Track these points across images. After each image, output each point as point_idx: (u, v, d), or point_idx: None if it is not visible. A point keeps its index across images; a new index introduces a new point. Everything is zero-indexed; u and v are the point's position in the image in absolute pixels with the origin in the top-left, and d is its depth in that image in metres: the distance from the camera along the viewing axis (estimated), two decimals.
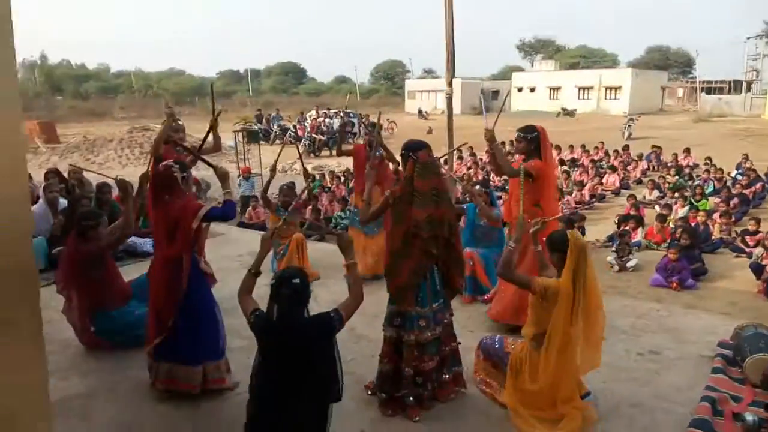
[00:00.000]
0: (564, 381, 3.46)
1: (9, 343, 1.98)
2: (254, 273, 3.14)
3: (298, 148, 6.94)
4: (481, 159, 16.99)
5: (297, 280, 2.82)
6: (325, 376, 2.86)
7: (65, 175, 8.15)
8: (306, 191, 6.55)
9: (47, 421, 2.25)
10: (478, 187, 5.98)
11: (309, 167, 17.31)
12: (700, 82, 50.47)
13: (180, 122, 5.09)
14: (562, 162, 16.10)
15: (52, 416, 3.46)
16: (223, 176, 3.71)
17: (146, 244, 6.92)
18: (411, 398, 3.53)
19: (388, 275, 3.61)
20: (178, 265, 3.56)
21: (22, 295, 2.02)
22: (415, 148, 3.50)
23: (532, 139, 4.58)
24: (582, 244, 3.38)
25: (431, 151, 3.57)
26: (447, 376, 3.73)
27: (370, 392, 3.81)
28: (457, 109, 48.31)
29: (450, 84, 6.36)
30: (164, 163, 3.75)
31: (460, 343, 3.84)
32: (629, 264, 7.96)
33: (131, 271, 5.69)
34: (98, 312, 4.28)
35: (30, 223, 2.09)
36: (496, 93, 55.29)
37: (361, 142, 6.55)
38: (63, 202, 6.88)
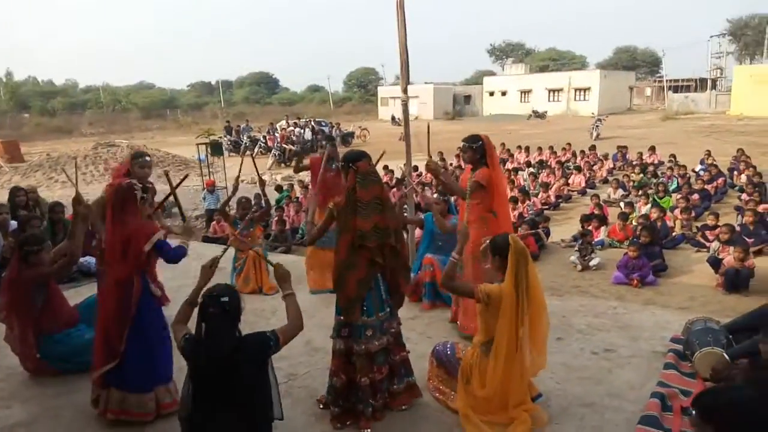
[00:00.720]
0: (513, 385, 3.45)
1: None
2: (190, 303, 3.05)
3: (253, 158, 6.83)
4: (451, 164, 17.04)
5: (226, 299, 2.75)
6: (258, 398, 2.80)
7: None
8: (262, 200, 6.50)
9: None
10: (436, 195, 5.97)
11: (278, 177, 17.31)
12: (667, 80, 51.51)
13: (147, 158, 4.94)
14: (529, 164, 16.24)
15: None
16: (282, 276, 3.29)
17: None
18: (368, 409, 3.48)
19: (336, 287, 3.56)
20: (129, 287, 3.46)
21: None
22: (354, 159, 3.48)
23: (477, 149, 4.61)
24: (521, 247, 3.39)
25: (371, 160, 3.56)
26: (398, 386, 3.68)
27: (322, 406, 3.75)
28: (430, 114, 48.78)
29: (405, 91, 6.34)
30: (128, 180, 3.69)
31: (409, 352, 3.80)
32: (592, 263, 8.02)
33: (85, 292, 5.58)
34: (43, 337, 4.16)
35: None
36: (468, 98, 55.76)
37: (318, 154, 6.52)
38: (14, 223, 6.70)
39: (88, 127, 45.86)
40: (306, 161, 7.09)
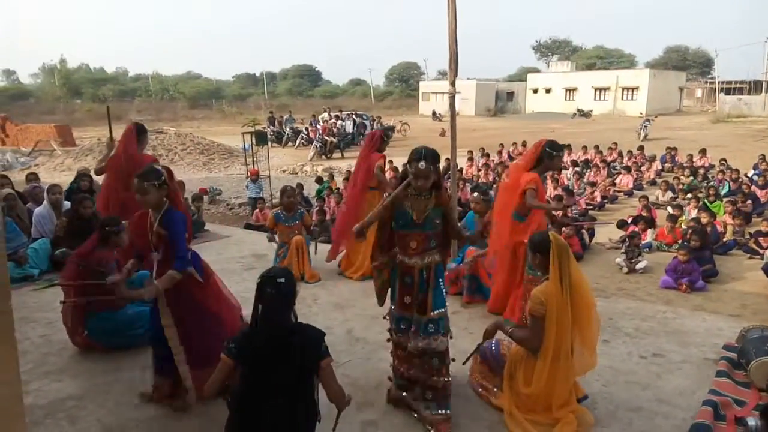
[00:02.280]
0: (558, 386, 3.38)
1: None
2: None
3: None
4: (493, 160, 16.86)
5: (282, 280, 2.77)
6: (308, 385, 2.81)
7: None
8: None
9: (21, 421, 2.22)
10: (476, 194, 5.90)
11: (319, 169, 17.45)
12: (719, 82, 49.78)
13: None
14: (575, 163, 15.93)
15: (40, 417, 3.49)
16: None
17: None
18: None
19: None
20: None
21: None
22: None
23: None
24: (563, 243, 3.32)
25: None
26: (431, 413, 3.44)
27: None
28: (471, 110, 48.36)
29: (453, 84, 6.27)
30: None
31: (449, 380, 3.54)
32: (638, 266, 7.81)
33: None
34: (90, 314, 4.27)
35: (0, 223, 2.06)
36: (511, 94, 55.07)
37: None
38: (67, 203, 6.92)
39: (136, 114, 47.04)
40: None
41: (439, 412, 3.43)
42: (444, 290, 3.49)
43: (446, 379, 3.46)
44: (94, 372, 4.10)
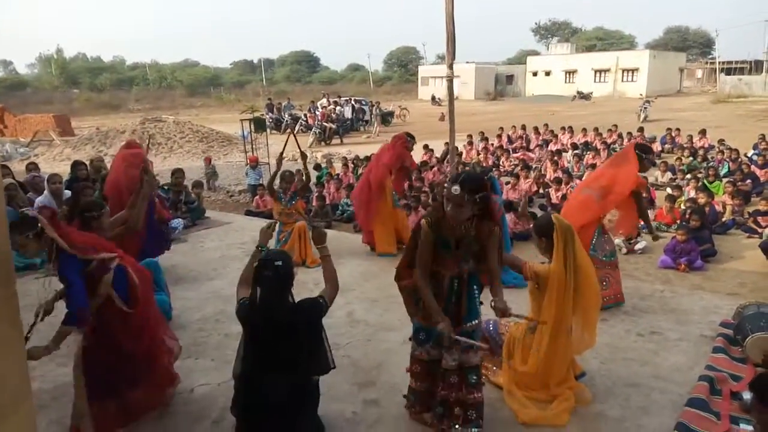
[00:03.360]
0: (555, 364, 3.44)
1: None
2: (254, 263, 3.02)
3: (294, 135, 6.92)
4: (492, 144, 16.83)
5: (279, 263, 2.81)
6: (313, 353, 2.88)
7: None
8: (303, 174, 6.64)
9: (30, 403, 2.27)
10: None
11: (319, 155, 17.40)
12: (719, 62, 49.49)
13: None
14: (575, 146, 15.91)
15: (47, 401, 3.55)
16: (318, 237, 3.26)
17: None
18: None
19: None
20: None
21: None
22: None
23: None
24: (567, 225, 3.35)
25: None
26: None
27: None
28: (470, 94, 48.15)
29: (450, 67, 6.25)
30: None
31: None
32: (638, 246, 7.83)
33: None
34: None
35: (2, 207, 2.09)
36: (510, 78, 54.79)
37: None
38: (67, 192, 6.95)
39: (134, 103, 46.91)
40: None
41: (473, 430, 3.11)
42: (478, 299, 3.13)
43: (480, 395, 3.14)
44: None
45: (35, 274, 5.99)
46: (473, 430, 3.12)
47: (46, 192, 6.91)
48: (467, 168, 12.16)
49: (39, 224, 3.01)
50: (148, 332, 3.38)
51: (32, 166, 8.87)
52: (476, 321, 3.12)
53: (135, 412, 3.36)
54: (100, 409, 3.20)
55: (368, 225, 6.90)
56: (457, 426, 3.10)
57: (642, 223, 5.60)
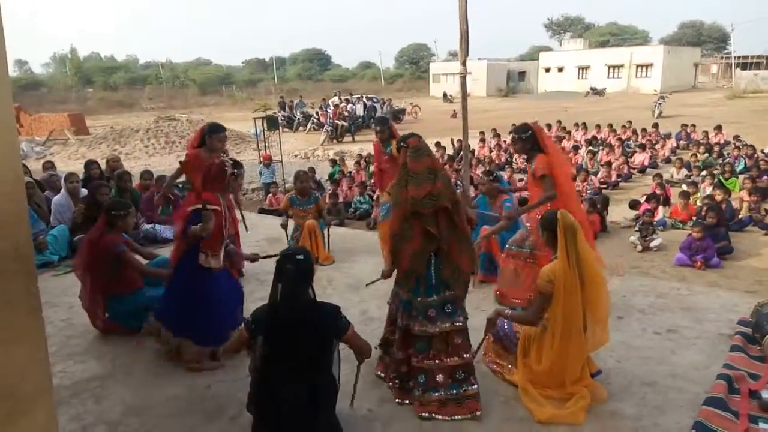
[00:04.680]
0: (570, 363, 3.42)
1: (7, 321, 2.03)
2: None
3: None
4: (504, 141, 16.76)
5: (301, 257, 2.84)
6: (326, 359, 2.89)
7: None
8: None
9: (50, 395, 2.30)
10: (480, 176, 5.92)
11: (330, 153, 17.46)
12: (735, 57, 48.87)
13: (224, 133, 5.07)
14: (589, 142, 15.82)
15: (66, 397, 3.59)
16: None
17: (165, 231, 7.04)
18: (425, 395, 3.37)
19: (393, 261, 3.51)
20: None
21: (19, 274, 2.06)
22: (405, 138, 3.55)
23: (528, 138, 4.57)
24: (570, 221, 3.33)
25: (420, 138, 3.55)
26: (455, 393, 3.38)
27: (379, 372, 3.79)
28: (482, 91, 47.97)
29: (464, 64, 6.22)
30: (221, 159, 4.01)
31: (473, 356, 3.53)
32: (653, 244, 7.78)
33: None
34: (110, 297, 4.36)
35: (24, 202, 2.12)
36: (522, 74, 54.51)
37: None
38: (84, 191, 7.03)
39: (148, 101, 47.25)
40: None
41: (469, 388, 3.36)
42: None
43: (470, 355, 3.42)
44: (116, 354, 4.20)
45: (52, 271, 6.08)
46: (470, 388, 3.37)
47: (63, 191, 6.99)
48: (479, 165, 12.12)
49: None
50: None
51: (49, 165, 8.96)
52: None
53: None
54: None
55: None
56: (456, 417, 3.32)
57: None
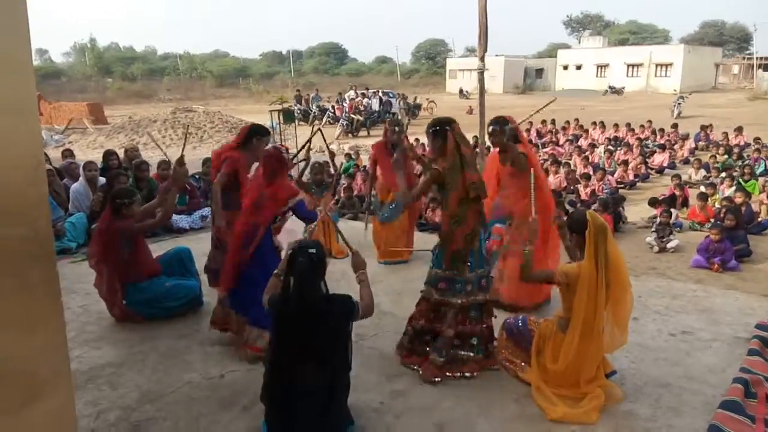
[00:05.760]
0: (586, 363, 3.40)
1: (27, 305, 2.05)
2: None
3: (320, 130, 6.62)
4: None
5: (313, 250, 2.84)
6: (340, 349, 2.90)
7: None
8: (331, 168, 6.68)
9: (68, 379, 2.33)
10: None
11: (346, 147, 17.43)
12: (757, 58, 48.07)
13: (268, 137, 5.04)
14: (610, 141, 15.69)
15: (82, 382, 3.63)
16: (358, 265, 3.35)
17: (182, 220, 7.09)
18: (440, 359, 3.66)
19: (444, 242, 3.74)
20: (251, 236, 3.84)
21: (39, 258, 2.09)
22: (448, 122, 3.73)
23: (509, 131, 4.60)
24: (601, 223, 3.30)
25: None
26: (472, 354, 3.82)
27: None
28: (499, 88, 47.69)
29: (482, 59, 6.21)
30: (275, 146, 4.23)
31: (495, 316, 3.99)
32: (670, 245, 7.69)
33: (167, 246, 5.84)
34: (129, 285, 4.41)
35: (45, 189, 2.14)
36: (540, 71, 54.09)
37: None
38: (102, 180, 7.10)
39: (165, 92, 47.57)
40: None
41: (483, 348, 3.79)
42: (484, 250, 3.84)
43: (486, 325, 3.83)
44: (132, 341, 4.25)
45: (70, 258, 6.15)
46: (484, 348, 3.80)
47: (81, 179, 7.07)
48: None
49: None
50: None
51: (68, 153, 9.07)
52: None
53: None
54: None
55: None
56: (462, 353, 3.76)
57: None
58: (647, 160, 13.43)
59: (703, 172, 12.08)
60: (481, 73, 6.37)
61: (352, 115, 22.27)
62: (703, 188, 10.08)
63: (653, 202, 9.14)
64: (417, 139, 15.97)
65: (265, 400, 2.96)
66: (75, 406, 2.40)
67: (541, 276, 3.79)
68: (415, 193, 4.06)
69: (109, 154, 8.08)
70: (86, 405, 3.38)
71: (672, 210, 8.87)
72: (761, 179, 10.88)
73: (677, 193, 9.70)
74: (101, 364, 3.90)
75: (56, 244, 6.22)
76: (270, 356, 2.90)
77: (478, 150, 7.14)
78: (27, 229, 2.05)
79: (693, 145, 15.72)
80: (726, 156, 13.41)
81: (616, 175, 11.82)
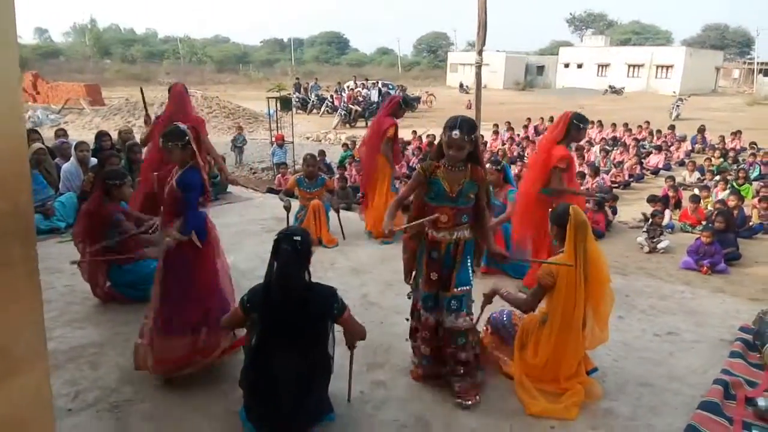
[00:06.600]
0: (566, 358, 3.41)
1: (3, 281, 2.03)
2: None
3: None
4: (518, 135, 16.66)
5: (298, 237, 2.82)
6: (321, 339, 2.90)
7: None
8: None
9: (45, 358, 2.31)
10: (488, 165, 5.85)
11: (343, 137, 17.40)
12: (758, 63, 48.12)
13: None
14: (608, 141, 15.71)
15: (62, 362, 3.62)
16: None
17: None
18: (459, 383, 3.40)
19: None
20: None
21: (17, 234, 2.06)
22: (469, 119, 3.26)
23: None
24: (582, 219, 3.30)
25: None
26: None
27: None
28: (500, 83, 47.60)
29: (480, 53, 6.18)
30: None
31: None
32: (660, 245, 7.70)
33: None
34: (113, 267, 4.38)
35: (25, 162, 2.11)
36: (541, 68, 54.00)
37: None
38: (93, 160, 7.06)
39: (165, 76, 47.31)
40: None
41: (468, 380, 3.39)
42: (470, 268, 3.38)
43: (473, 353, 3.42)
44: (115, 322, 4.23)
45: (58, 238, 6.12)
46: (469, 379, 3.38)
47: (72, 159, 7.02)
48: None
49: (186, 137, 3.35)
50: (215, 279, 3.54)
51: (61, 133, 9.01)
52: (467, 287, 3.34)
53: (196, 354, 3.40)
54: (164, 342, 3.32)
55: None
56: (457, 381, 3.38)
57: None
58: (643, 160, 13.44)
59: (697, 174, 12.11)
60: (478, 67, 6.34)
61: (351, 106, 22.20)
62: (696, 190, 10.09)
63: (652, 200, 9.15)
64: (414, 132, 15.95)
65: (243, 385, 2.96)
66: (51, 385, 2.38)
67: (534, 294, 3.50)
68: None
69: (101, 135, 8.03)
70: (64, 384, 3.37)
71: (667, 211, 8.89)
72: (755, 183, 10.89)
73: (671, 194, 9.71)
74: (83, 344, 3.89)
75: (45, 223, 6.21)
76: (252, 343, 2.89)
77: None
78: (6, 203, 2.02)
79: (690, 148, 15.74)
80: (722, 159, 13.43)
81: (610, 174, 11.83)
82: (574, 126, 4.63)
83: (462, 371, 3.39)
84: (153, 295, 3.41)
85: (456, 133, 3.07)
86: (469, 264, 3.37)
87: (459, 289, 3.32)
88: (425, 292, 3.40)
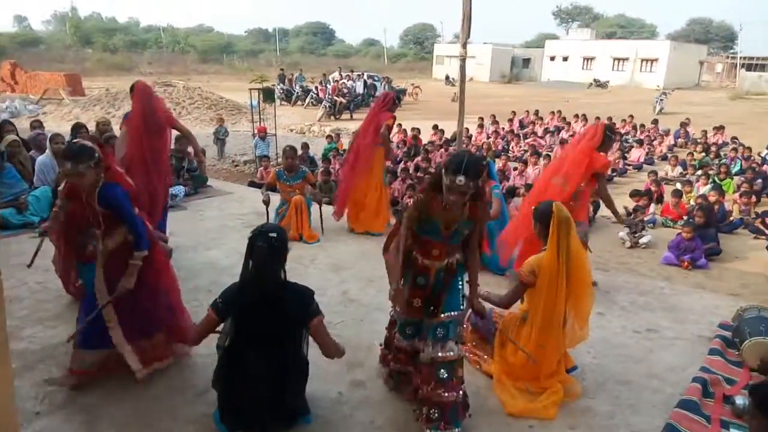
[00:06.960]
0: (546, 356, 3.38)
1: None
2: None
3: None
4: (503, 128, 16.64)
5: (274, 234, 2.76)
6: (295, 337, 2.84)
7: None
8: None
9: (7, 365, 2.22)
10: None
11: (327, 129, 17.26)
12: (741, 57, 48.57)
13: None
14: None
15: (32, 362, 3.52)
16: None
17: None
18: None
19: None
20: None
21: None
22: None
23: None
24: (565, 216, 3.26)
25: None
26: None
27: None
28: (486, 76, 47.62)
29: (464, 46, 6.11)
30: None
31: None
32: (642, 240, 7.74)
33: None
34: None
35: None
36: (527, 61, 54.09)
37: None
38: None
39: (147, 66, 46.65)
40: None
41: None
42: (462, 292, 3.05)
43: (455, 394, 2.91)
44: None
45: (32, 233, 5.97)
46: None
47: (48, 151, 6.85)
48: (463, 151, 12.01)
49: (96, 153, 3.08)
50: (165, 280, 3.45)
51: (36, 124, 8.80)
52: (456, 312, 3.00)
53: (149, 358, 3.36)
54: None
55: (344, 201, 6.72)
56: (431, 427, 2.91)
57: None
58: (626, 155, 13.49)
59: (679, 168, 12.18)
60: (462, 60, 6.28)
61: (335, 98, 22.03)
62: (678, 185, 10.15)
63: (635, 194, 9.18)
64: (399, 125, 15.84)
65: (217, 386, 2.89)
66: (15, 391, 2.30)
67: (515, 291, 3.45)
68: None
69: (78, 127, 7.82)
70: (33, 386, 3.28)
71: (651, 204, 8.92)
72: (736, 178, 10.98)
73: (653, 188, 9.75)
74: (54, 344, 3.78)
75: (18, 218, 6.07)
76: (226, 343, 2.83)
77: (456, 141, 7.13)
78: None
79: (672, 142, 15.83)
80: (704, 154, 13.53)
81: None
82: (608, 137, 4.95)
83: (436, 415, 2.88)
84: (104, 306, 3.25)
85: (461, 179, 2.61)
86: (460, 286, 3.04)
87: (446, 314, 2.96)
88: (405, 317, 3.12)
